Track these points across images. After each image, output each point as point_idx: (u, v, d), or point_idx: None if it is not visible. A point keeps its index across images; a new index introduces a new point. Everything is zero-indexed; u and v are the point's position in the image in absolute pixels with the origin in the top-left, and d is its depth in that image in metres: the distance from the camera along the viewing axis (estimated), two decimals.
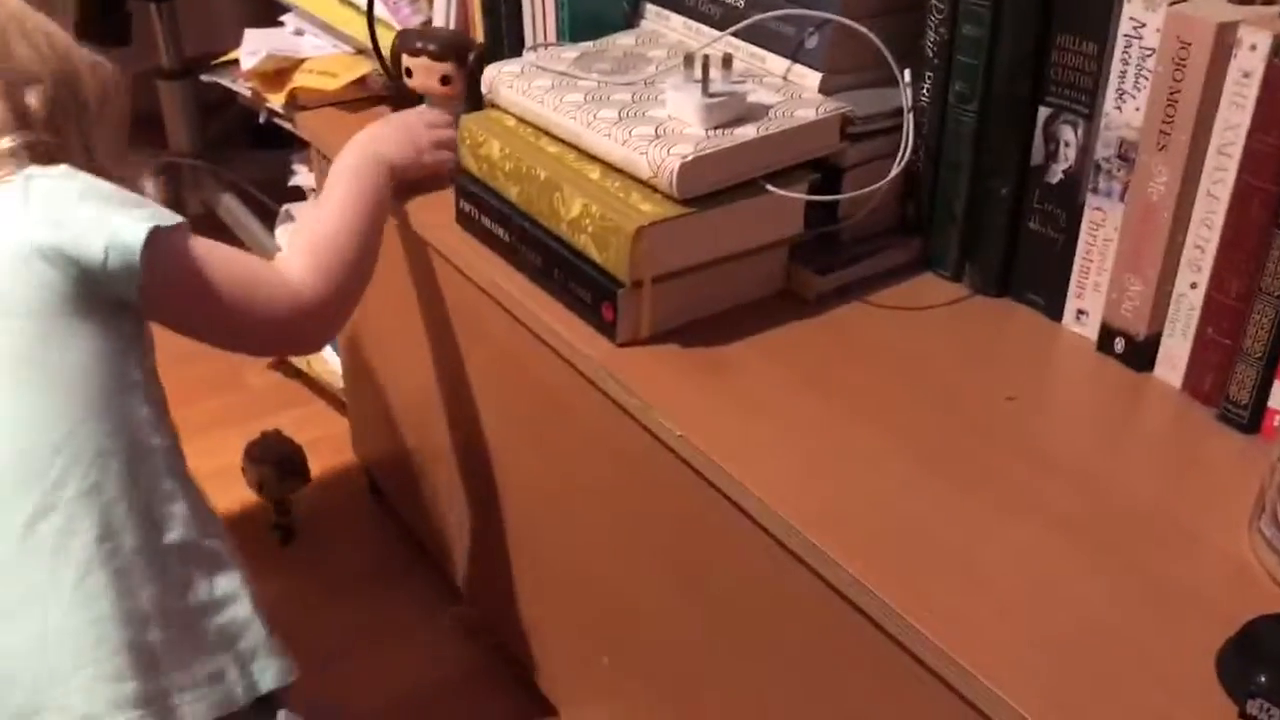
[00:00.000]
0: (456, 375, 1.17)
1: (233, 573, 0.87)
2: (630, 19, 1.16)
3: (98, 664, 0.79)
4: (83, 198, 0.85)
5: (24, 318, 0.83)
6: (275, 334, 0.98)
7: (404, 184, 1.11)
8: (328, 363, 1.63)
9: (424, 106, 1.17)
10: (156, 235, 0.84)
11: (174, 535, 0.85)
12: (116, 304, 0.86)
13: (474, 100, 1.13)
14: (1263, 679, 0.61)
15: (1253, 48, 0.76)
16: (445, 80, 1.16)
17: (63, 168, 0.87)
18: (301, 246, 0.98)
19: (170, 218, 0.87)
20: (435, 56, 1.15)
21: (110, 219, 0.84)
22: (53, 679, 0.79)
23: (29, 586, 0.80)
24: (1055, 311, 0.94)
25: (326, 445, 1.63)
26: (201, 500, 0.90)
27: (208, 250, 0.90)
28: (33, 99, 0.89)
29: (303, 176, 1.60)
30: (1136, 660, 0.65)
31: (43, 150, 0.88)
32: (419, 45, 1.16)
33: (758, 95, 0.97)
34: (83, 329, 0.84)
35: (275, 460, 1.49)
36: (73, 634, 0.80)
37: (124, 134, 0.98)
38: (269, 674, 0.86)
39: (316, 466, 1.55)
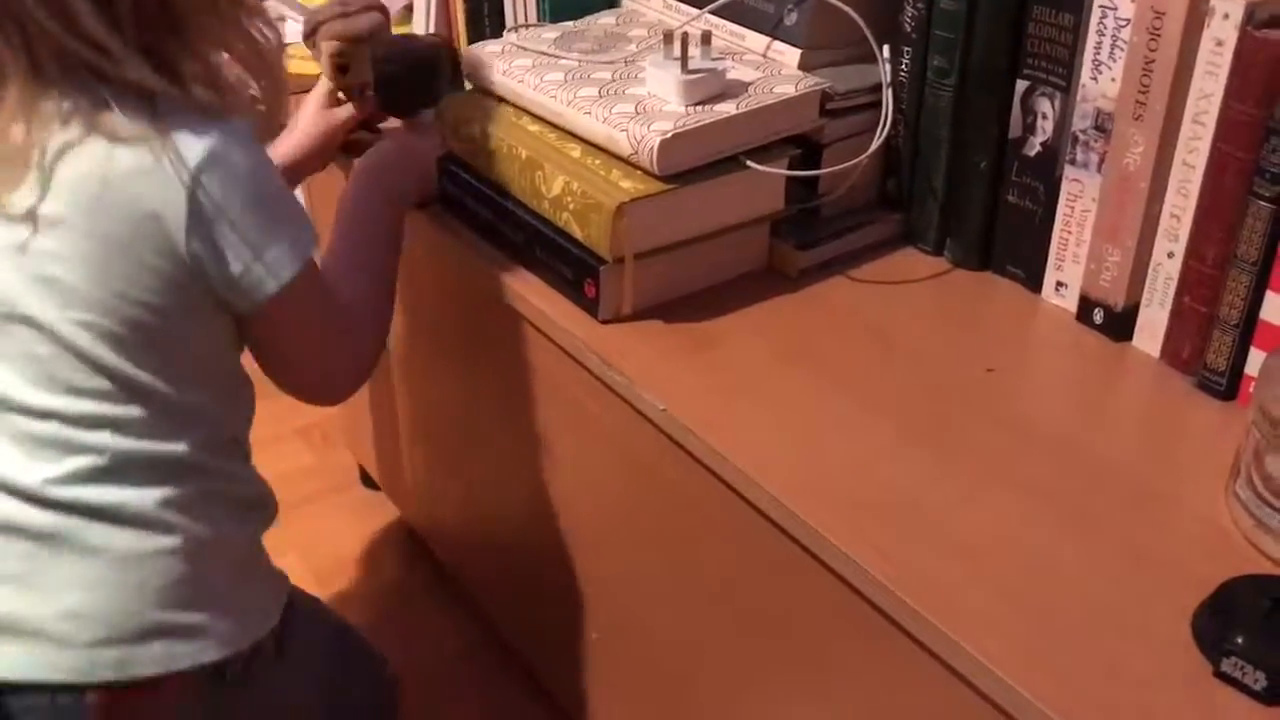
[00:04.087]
0: (442, 358, 1.18)
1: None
2: None
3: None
4: (245, 208, 0.79)
5: (141, 308, 0.80)
6: (329, 382, 0.97)
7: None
8: None
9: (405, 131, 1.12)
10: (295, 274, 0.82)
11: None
12: (220, 303, 0.83)
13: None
14: (1238, 639, 0.62)
15: (1225, 16, 0.76)
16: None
17: (219, 137, 0.78)
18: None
19: (309, 244, 0.84)
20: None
21: (264, 246, 0.80)
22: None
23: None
24: (1035, 283, 0.95)
25: (316, 431, 1.64)
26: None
27: (322, 290, 0.88)
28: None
29: None
30: (1114, 622, 0.66)
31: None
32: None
33: (737, 72, 0.97)
34: (192, 322, 0.83)
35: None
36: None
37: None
38: None
39: (307, 453, 1.56)
